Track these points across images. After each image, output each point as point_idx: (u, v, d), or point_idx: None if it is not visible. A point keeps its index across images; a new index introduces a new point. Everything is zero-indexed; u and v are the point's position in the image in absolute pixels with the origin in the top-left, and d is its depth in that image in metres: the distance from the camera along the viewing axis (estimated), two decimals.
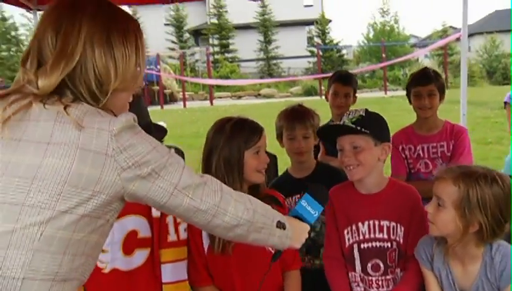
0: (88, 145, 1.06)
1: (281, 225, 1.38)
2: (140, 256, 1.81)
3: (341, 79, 3.24)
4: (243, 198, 1.30)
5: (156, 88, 23.66)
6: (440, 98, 2.81)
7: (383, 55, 25.58)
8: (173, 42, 34.54)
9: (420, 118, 2.88)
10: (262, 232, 1.32)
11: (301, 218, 1.57)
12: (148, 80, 23.52)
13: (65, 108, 1.08)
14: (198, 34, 35.11)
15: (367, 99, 17.21)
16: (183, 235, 1.86)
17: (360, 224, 1.94)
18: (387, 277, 1.93)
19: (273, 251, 1.79)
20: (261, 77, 31.89)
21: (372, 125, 1.88)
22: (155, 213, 1.80)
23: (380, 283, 1.93)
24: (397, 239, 1.91)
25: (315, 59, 29.83)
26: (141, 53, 1.23)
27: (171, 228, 1.82)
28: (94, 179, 1.07)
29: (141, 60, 1.23)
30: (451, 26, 33.42)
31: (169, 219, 1.82)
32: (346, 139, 1.89)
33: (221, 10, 33.49)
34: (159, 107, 21.24)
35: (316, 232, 2.30)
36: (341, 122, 1.90)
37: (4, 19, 34.01)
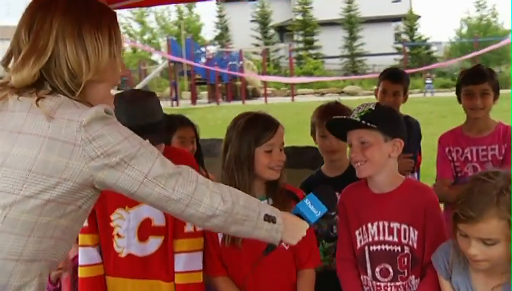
0: (57, 135, 1.11)
1: (269, 219, 1.36)
2: (154, 244, 1.87)
3: (390, 76, 3.11)
4: (221, 189, 1.29)
5: (238, 83, 24.10)
6: (494, 98, 2.61)
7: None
8: (257, 38, 35.00)
9: (469, 119, 2.69)
10: (246, 224, 1.32)
11: (301, 216, 1.53)
12: (232, 75, 24.09)
13: (37, 100, 1.14)
14: (283, 30, 35.29)
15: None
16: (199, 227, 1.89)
17: (369, 225, 1.84)
18: (397, 283, 1.80)
19: (285, 247, 1.78)
20: (345, 74, 31.38)
21: (382, 119, 1.77)
22: None
23: (389, 290, 1.82)
24: (410, 243, 1.79)
25: (401, 56, 28.81)
26: (115, 44, 1.26)
27: None
28: (61, 166, 1.11)
29: (116, 52, 1.26)
30: None
31: None
32: (354, 134, 1.81)
33: (306, 7, 33.40)
34: (240, 102, 21.63)
35: (335, 234, 2.24)
36: (351, 117, 1.82)
37: None
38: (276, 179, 1.87)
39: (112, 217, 1.86)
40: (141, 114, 1.75)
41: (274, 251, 1.75)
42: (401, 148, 1.82)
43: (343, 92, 26.54)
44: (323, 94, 26.80)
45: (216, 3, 35.98)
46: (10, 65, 1.20)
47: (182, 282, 1.86)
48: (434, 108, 16.12)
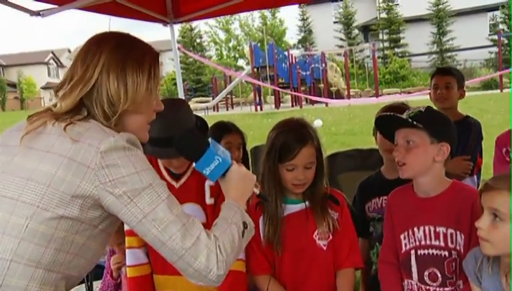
0: (76, 156, 1.24)
1: (245, 226, 1.41)
2: None
3: (440, 70, 3.01)
4: (224, 246, 1.31)
5: (322, 85, 23.98)
6: None
7: None
8: (341, 39, 34.57)
9: None
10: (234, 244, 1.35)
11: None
12: (315, 78, 24.02)
13: (66, 126, 1.28)
14: (367, 30, 34.51)
15: None
16: None
17: (415, 229, 1.81)
18: (446, 289, 1.76)
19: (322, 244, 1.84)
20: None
21: (430, 121, 1.76)
22: (209, 200, 1.96)
23: None
24: (457, 247, 1.75)
25: (497, 49, 26.94)
26: (153, 81, 1.38)
27: None
28: (74, 185, 1.23)
29: (153, 87, 1.40)
30: None
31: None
32: (401, 133, 1.80)
33: (391, 4, 32.41)
34: (323, 105, 21.51)
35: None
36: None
37: (191, 29, 37.85)
38: (314, 187, 1.91)
39: None
40: (169, 126, 1.83)
41: (312, 252, 1.83)
42: (447, 153, 1.79)
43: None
44: (409, 93, 25.85)
45: (299, 7, 36.06)
46: (60, 92, 1.37)
47: None
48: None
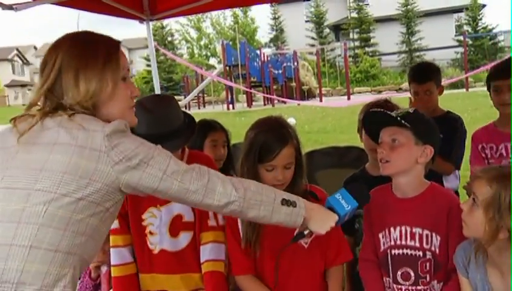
0: (85, 143, 1.33)
1: (287, 203, 1.50)
2: (184, 238, 2.02)
3: (417, 77, 3.02)
4: (231, 179, 1.47)
5: (293, 84, 24.09)
6: None
7: None
8: (313, 38, 34.81)
9: (502, 114, 2.62)
10: (262, 209, 1.46)
11: (332, 209, 1.61)
12: (287, 77, 24.10)
13: (70, 115, 1.38)
14: (338, 29, 34.88)
15: None
16: (221, 221, 2.03)
17: (391, 229, 1.86)
18: (418, 287, 1.81)
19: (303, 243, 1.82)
20: (403, 71, 30.56)
21: (417, 122, 1.80)
22: None
23: None
24: (432, 248, 1.80)
25: (462, 49, 27.62)
26: (108, 70, 1.44)
27: (211, 214, 2.01)
28: (90, 169, 1.32)
29: (109, 76, 1.44)
30: None
31: None
32: (388, 131, 1.84)
33: (361, 4, 32.85)
34: (296, 103, 21.60)
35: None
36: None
37: (162, 27, 37.47)
38: (293, 186, 1.90)
39: (144, 216, 2.01)
40: (157, 123, 1.86)
41: (299, 251, 1.82)
42: (430, 156, 1.83)
43: (400, 89, 25.85)
44: (380, 92, 26.27)
45: (271, 6, 36.15)
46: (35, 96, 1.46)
47: (209, 270, 1.98)
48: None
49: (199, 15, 36.35)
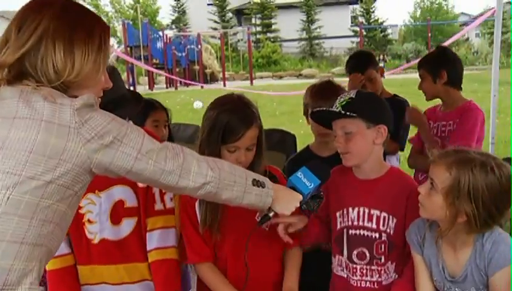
0: (52, 118, 1.16)
1: (258, 183, 1.44)
2: (128, 225, 1.85)
3: (356, 68, 3.09)
4: (206, 158, 1.39)
5: (196, 67, 23.84)
6: (434, 80, 2.70)
7: (429, 35, 24.71)
8: (215, 21, 34.62)
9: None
10: (235, 190, 1.39)
11: (294, 188, 1.57)
12: (190, 59, 23.76)
13: (34, 88, 1.19)
14: (241, 13, 35.01)
15: (411, 79, 16.74)
16: (169, 204, 1.88)
17: (350, 209, 1.87)
18: (373, 267, 1.84)
19: (264, 226, 1.77)
20: (303, 58, 31.55)
21: (363, 107, 1.77)
22: (141, 183, 1.80)
23: (364, 272, 1.84)
24: (388, 230, 1.82)
25: (358, 39, 29.16)
26: (102, 54, 1.31)
27: (157, 197, 1.85)
28: (59, 148, 1.16)
29: (101, 61, 1.31)
30: (508, 2, 31.73)
31: (155, 189, 1.83)
32: (337, 123, 1.82)
33: None
34: (199, 87, 21.43)
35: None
36: (333, 107, 1.83)
37: None
38: (252, 166, 1.82)
39: (82, 203, 1.80)
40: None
41: (258, 235, 1.76)
42: (385, 134, 1.82)
43: (300, 75, 26.72)
44: (281, 77, 26.91)
45: None
46: None
47: (157, 259, 1.83)
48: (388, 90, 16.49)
49: None
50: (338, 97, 1.84)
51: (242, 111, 1.79)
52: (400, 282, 1.82)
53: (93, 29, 1.30)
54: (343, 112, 1.75)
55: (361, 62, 3.15)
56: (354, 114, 1.75)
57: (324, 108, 1.87)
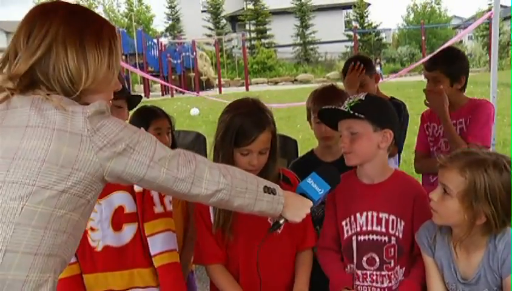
0: (64, 126, 1.14)
1: (269, 190, 1.42)
2: (129, 231, 1.82)
3: (350, 66, 3.08)
4: (217, 165, 1.37)
5: (192, 74, 23.85)
6: (452, 83, 2.67)
7: (423, 38, 24.84)
8: (210, 28, 34.69)
9: None
10: (247, 197, 1.37)
11: (305, 195, 1.56)
12: (185, 67, 23.77)
13: (47, 95, 1.17)
14: (235, 20, 35.11)
15: (405, 82, 16.84)
16: (169, 207, 1.86)
17: (358, 215, 1.85)
18: (383, 273, 1.82)
19: (278, 231, 1.75)
20: (298, 63, 31.64)
21: (371, 109, 1.78)
22: (137, 188, 1.80)
23: (375, 278, 1.83)
24: (397, 234, 1.81)
25: (352, 43, 29.30)
26: (114, 56, 1.29)
27: (156, 200, 1.83)
28: (72, 157, 1.14)
29: (114, 64, 1.30)
30: (501, 6, 31.98)
31: (154, 192, 1.81)
32: (344, 123, 1.82)
33: None
34: (194, 94, 21.41)
35: None
36: (342, 107, 1.83)
37: None
38: (266, 171, 1.82)
39: None
40: None
41: (270, 238, 1.75)
42: (391, 139, 1.82)
43: (296, 80, 26.79)
44: (276, 82, 26.97)
45: None
46: (5, 70, 1.21)
47: (164, 263, 1.80)
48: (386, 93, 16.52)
49: (91, 0, 34.54)
50: (347, 98, 1.85)
51: (256, 115, 1.80)
52: (407, 281, 1.81)
53: (102, 32, 1.27)
54: (351, 112, 1.75)
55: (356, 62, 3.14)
56: (362, 116, 1.75)
57: (334, 107, 1.87)
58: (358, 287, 1.86)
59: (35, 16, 1.24)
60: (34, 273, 1.11)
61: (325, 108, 1.89)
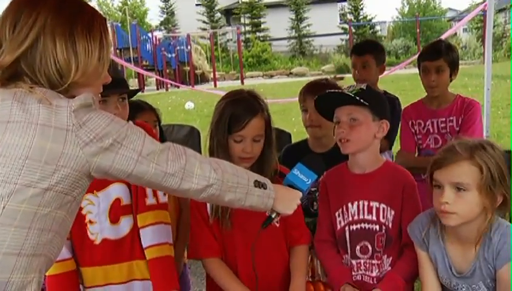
0: (48, 121, 1.10)
1: (259, 185, 1.40)
2: (126, 224, 1.83)
3: (356, 49, 3.09)
4: (208, 159, 1.34)
5: (187, 68, 23.74)
6: (450, 74, 2.67)
7: (418, 30, 24.83)
8: (204, 22, 34.51)
9: (429, 94, 2.78)
10: (238, 191, 1.35)
11: (293, 186, 1.57)
12: (180, 60, 23.65)
13: (30, 87, 1.13)
14: (229, 13, 34.93)
15: (400, 75, 16.82)
16: (162, 199, 1.86)
17: (349, 205, 1.87)
18: (373, 261, 1.85)
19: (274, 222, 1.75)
20: (293, 56, 31.55)
21: (373, 99, 1.81)
22: None
23: (367, 266, 1.86)
24: (386, 223, 1.83)
25: (347, 36, 29.24)
26: (105, 48, 1.26)
27: (149, 192, 1.83)
28: (57, 153, 1.10)
29: (105, 56, 1.26)
30: None
31: None
32: (345, 110, 1.82)
33: None
34: (189, 87, 21.32)
35: (316, 210, 2.25)
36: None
37: None
38: (263, 162, 1.84)
39: (82, 204, 1.78)
40: None
41: (266, 230, 1.75)
42: (386, 130, 1.85)
43: (291, 73, 26.70)
44: (271, 76, 26.88)
45: None
46: None
47: (155, 256, 1.80)
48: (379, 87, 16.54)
49: None
50: (346, 87, 1.85)
51: (248, 101, 1.82)
52: (390, 273, 1.82)
53: (93, 23, 1.23)
54: (357, 98, 1.75)
55: (361, 46, 3.16)
56: (367, 103, 1.75)
57: (338, 91, 1.87)
58: (353, 277, 1.87)
59: (21, 4, 1.18)
60: (18, 274, 1.08)
61: (330, 91, 1.90)
